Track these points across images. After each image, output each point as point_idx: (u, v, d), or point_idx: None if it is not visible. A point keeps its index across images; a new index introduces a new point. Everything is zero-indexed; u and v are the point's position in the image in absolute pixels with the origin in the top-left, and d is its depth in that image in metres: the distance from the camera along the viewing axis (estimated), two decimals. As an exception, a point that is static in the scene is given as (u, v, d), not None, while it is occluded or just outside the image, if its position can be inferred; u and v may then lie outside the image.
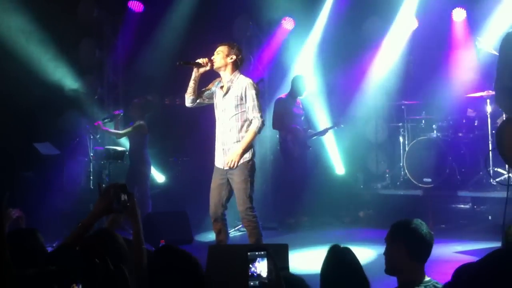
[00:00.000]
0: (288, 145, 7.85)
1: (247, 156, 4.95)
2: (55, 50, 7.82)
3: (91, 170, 7.36)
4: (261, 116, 4.97)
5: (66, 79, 8.05)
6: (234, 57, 4.99)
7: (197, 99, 5.06)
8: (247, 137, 4.93)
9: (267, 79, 9.07)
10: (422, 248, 2.82)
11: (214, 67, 4.98)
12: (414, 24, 8.82)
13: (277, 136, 8.14)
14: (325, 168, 8.60)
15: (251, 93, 4.93)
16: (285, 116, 7.84)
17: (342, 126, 8.38)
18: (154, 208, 7.44)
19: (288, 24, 9.39)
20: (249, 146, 4.96)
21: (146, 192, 7.41)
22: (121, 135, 7.50)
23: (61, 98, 7.88)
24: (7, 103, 7.32)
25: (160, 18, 8.96)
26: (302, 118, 8.05)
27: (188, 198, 7.72)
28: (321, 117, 8.82)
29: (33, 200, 6.78)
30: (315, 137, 8.29)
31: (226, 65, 4.98)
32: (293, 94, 7.95)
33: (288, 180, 7.90)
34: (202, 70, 4.98)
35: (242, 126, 4.97)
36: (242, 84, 4.96)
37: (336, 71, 8.81)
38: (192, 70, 5.02)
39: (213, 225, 5.06)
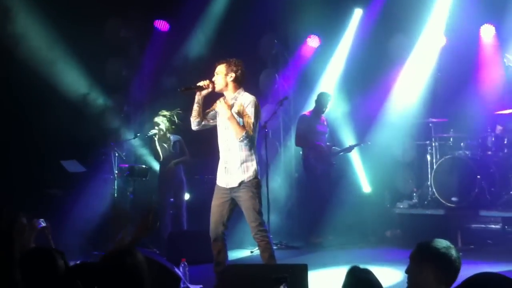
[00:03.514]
0: (310, 162, 7.81)
1: (252, 174, 4.85)
2: (82, 69, 7.96)
3: (115, 187, 7.41)
4: (251, 132, 4.79)
5: (93, 97, 8.17)
6: (234, 74, 4.88)
7: (202, 121, 4.98)
8: (238, 124, 4.78)
9: (292, 96, 9.06)
10: (450, 273, 2.73)
11: (216, 89, 4.90)
12: (442, 42, 8.71)
13: (301, 153, 8.10)
14: (350, 186, 8.48)
15: (251, 110, 4.83)
16: (308, 133, 7.81)
17: (368, 143, 8.28)
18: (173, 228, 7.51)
19: (313, 42, 9.40)
20: (233, 126, 4.79)
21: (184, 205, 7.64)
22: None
23: (87, 116, 7.99)
24: (34, 121, 7.46)
25: (185, 37, 9.06)
26: (326, 135, 8.00)
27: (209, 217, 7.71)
28: (346, 135, 8.75)
29: (60, 217, 6.85)
30: (340, 154, 8.21)
31: (227, 85, 4.88)
32: (318, 111, 7.93)
33: (312, 198, 7.83)
34: (205, 92, 4.89)
35: (245, 145, 4.84)
36: (245, 100, 4.88)
37: (362, 89, 8.75)
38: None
39: (213, 245, 4.92)
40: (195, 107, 4.93)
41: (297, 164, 8.68)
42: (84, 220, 7.30)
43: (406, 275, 2.84)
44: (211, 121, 5.04)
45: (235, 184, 4.84)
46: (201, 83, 4.87)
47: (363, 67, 8.83)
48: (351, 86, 8.96)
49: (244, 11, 8.69)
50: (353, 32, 9.25)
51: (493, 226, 7.08)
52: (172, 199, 7.66)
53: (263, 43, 9.23)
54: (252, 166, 4.86)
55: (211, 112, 5.04)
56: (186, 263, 5.40)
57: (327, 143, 7.97)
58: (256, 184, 4.86)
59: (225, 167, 4.90)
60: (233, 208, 4.94)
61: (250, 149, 4.86)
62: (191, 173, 8.16)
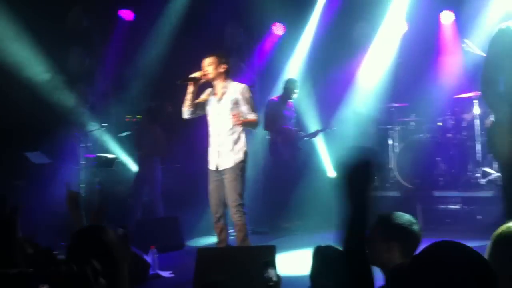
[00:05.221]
0: (278, 147, 7.91)
1: (242, 156, 5.29)
2: (44, 59, 7.85)
3: (82, 178, 7.39)
4: (257, 116, 5.39)
5: (57, 88, 8.07)
6: (225, 66, 5.34)
7: (195, 111, 5.37)
8: (250, 119, 5.29)
9: (258, 84, 9.12)
10: (414, 247, 2.82)
11: (210, 79, 5.32)
12: (403, 28, 8.89)
13: (267, 138, 8.19)
14: (316, 171, 8.61)
15: (247, 97, 5.32)
16: (276, 118, 7.91)
17: (334, 128, 8.42)
18: (146, 216, 7.51)
19: (278, 30, 9.46)
20: (248, 125, 5.37)
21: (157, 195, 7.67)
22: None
23: (51, 107, 7.90)
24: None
25: (150, 26, 9.02)
26: (293, 120, 8.11)
27: (180, 205, 7.75)
28: (311, 120, 8.87)
29: (25, 209, 6.76)
30: (305, 139, 8.34)
31: (220, 75, 5.32)
32: (285, 96, 8.04)
33: (279, 183, 7.93)
34: (198, 83, 5.32)
35: (238, 128, 5.30)
36: (237, 88, 5.33)
37: (327, 75, 8.88)
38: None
39: (215, 225, 5.34)
40: (189, 97, 5.31)
41: (263, 149, 8.76)
42: (51, 211, 7.24)
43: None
44: (200, 111, 5.44)
45: (228, 166, 5.25)
46: (196, 75, 5.26)
47: (327, 53, 8.95)
48: (315, 72, 9.07)
49: (208, 0, 8.70)
50: (317, 20, 9.35)
51: (453, 206, 7.28)
52: (146, 189, 7.69)
53: (228, 32, 9.25)
54: (243, 148, 5.32)
55: (201, 102, 5.44)
56: (155, 250, 5.47)
57: (294, 128, 8.08)
58: (242, 168, 5.30)
59: (218, 151, 5.32)
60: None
61: (240, 132, 5.32)
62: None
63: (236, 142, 5.30)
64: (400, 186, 7.72)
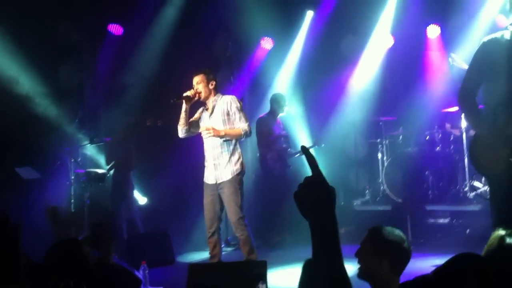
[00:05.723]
0: (267, 164, 7.91)
1: (239, 167, 5.36)
2: (35, 74, 7.84)
3: (72, 193, 7.36)
4: (248, 126, 5.40)
5: (47, 102, 8.05)
6: (214, 82, 5.48)
7: (190, 129, 5.47)
8: (232, 130, 5.33)
9: (247, 98, 9.16)
10: (404, 264, 2.90)
11: (202, 98, 5.46)
12: (390, 42, 8.99)
13: (257, 155, 8.21)
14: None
15: (236, 106, 5.40)
16: (266, 135, 7.91)
17: (322, 145, 8.45)
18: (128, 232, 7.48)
19: (267, 43, 9.51)
20: (231, 139, 5.37)
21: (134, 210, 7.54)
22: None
23: (41, 122, 7.88)
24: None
25: (140, 40, 9.03)
26: (283, 137, 8.12)
27: (170, 220, 7.74)
28: (301, 136, 8.91)
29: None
30: (295, 156, 8.36)
31: (211, 92, 5.47)
32: (273, 112, 8.00)
33: (269, 198, 7.94)
34: (191, 101, 5.43)
35: (231, 140, 5.38)
36: (225, 99, 5.44)
37: (315, 90, 8.93)
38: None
39: (209, 239, 5.37)
40: (183, 115, 5.42)
41: (254, 165, 8.79)
42: (39, 226, 7.19)
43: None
44: (195, 129, 5.54)
45: (226, 178, 5.30)
46: (189, 93, 5.38)
47: (315, 68, 9.02)
48: (304, 87, 9.13)
49: (198, 14, 8.75)
50: (305, 34, 9.43)
51: (441, 220, 7.33)
52: (123, 204, 7.64)
53: (217, 45, 9.27)
54: (239, 159, 5.40)
55: (195, 121, 5.56)
56: (146, 266, 5.45)
57: (283, 145, 8.08)
58: (239, 180, 5.36)
59: (214, 164, 5.37)
60: (222, 201, 5.40)
61: (235, 144, 5.40)
62: (148, 177, 8.18)
63: (232, 153, 5.38)
64: (389, 200, 7.77)
